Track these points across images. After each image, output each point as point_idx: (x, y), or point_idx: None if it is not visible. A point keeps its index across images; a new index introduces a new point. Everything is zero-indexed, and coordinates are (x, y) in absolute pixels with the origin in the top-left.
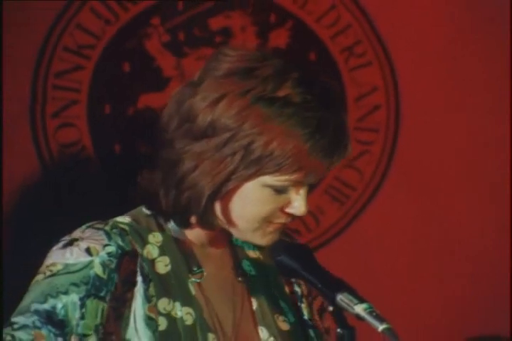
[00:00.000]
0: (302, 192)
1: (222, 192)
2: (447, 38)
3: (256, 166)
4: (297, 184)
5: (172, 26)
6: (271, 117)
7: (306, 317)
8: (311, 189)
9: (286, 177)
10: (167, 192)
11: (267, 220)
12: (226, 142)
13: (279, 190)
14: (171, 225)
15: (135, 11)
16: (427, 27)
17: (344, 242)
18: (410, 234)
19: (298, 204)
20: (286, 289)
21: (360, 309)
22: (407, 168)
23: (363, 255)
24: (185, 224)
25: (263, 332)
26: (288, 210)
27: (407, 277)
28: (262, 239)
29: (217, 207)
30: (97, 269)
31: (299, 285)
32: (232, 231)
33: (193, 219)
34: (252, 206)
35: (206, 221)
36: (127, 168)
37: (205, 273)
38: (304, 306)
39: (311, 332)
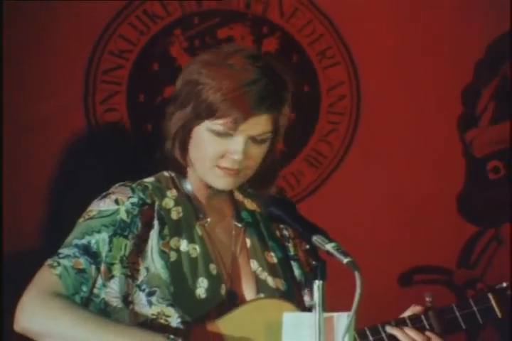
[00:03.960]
0: (240, 140)
1: (184, 134)
2: (398, 43)
3: (199, 110)
4: (238, 133)
5: (190, 35)
6: (218, 74)
7: (291, 253)
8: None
9: (219, 121)
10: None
11: (215, 163)
12: (188, 92)
13: (220, 134)
14: (184, 185)
15: (162, 24)
16: (382, 35)
17: (318, 197)
18: (368, 190)
19: (234, 148)
20: (277, 233)
21: (329, 247)
22: (366, 143)
23: (333, 207)
24: (176, 167)
25: (254, 264)
26: (229, 154)
27: (367, 222)
28: (217, 181)
29: (185, 152)
30: (123, 215)
31: (287, 230)
32: (197, 173)
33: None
34: (201, 148)
35: (171, 159)
36: (156, 142)
37: (209, 220)
38: (290, 245)
39: (294, 264)
